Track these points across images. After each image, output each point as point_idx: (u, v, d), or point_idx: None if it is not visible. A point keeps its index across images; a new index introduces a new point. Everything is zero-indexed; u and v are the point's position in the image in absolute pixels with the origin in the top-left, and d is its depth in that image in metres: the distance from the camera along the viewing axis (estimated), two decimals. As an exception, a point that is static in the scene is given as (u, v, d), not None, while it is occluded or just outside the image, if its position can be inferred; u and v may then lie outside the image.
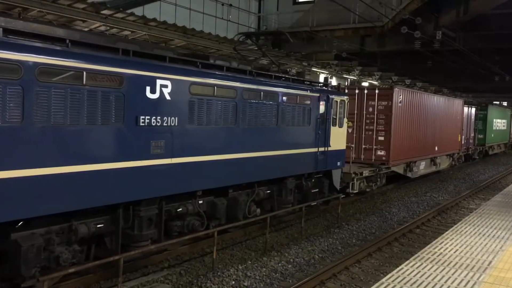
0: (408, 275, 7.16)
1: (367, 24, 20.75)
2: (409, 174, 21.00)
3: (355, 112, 18.74)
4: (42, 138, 6.89)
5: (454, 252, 8.46)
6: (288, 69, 20.12)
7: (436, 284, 6.84)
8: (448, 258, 8.11)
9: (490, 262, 7.95)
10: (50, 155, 7.00)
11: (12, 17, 8.03)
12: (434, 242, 9.22)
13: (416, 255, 8.30)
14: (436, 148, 23.73)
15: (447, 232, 10.07)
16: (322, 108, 13.83)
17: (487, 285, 6.85)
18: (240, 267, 9.81)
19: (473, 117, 32.62)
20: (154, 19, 14.52)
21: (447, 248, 8.74)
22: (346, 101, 15.27)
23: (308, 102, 13.19)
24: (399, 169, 20.01)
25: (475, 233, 10.01)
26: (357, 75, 29.51)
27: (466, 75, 33.59)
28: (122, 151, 8.06)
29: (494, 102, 51.32)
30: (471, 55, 24.16)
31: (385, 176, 19.05)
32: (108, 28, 13.83)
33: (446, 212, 16.95)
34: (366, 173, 17.19)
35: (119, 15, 13.50)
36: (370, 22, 20.17)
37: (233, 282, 9.06)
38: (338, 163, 15.03)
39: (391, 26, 21.13)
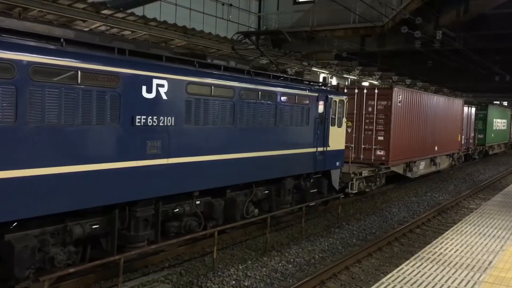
0: (408, 275, 7.16)
1: (367, 24, 20.75)
2: (408, 174, 20.98)
3: (355, 112, 18.71)
4: (36, 138, 6.81)
5: (455, 252, 8.46)
6: (288, 69, 20.14)
7: (436, 284, 6.84)
8: (449, 258, 8.11)
9: (491, 262, 7.95)
10: (44, 156, 6.93)
11: (13, 17, 8.02)
12: (434, 242, 9.21)
13: (417, 255, 8.30)
14: (436, 148, 23.72)
15: (447, 232, 10.07)
16: (321, 108, 13.78)
17: (488, 285, 6.85)
18: (240, 267, 9.81)
19: (473, 117, 32.61)
20: (154, 19, 14.52)
21: (447, 248, 8.74)
22: (345, 101, 15.21)
23: (307, 102, 13.14)
24: (399, 169, 19.99)
25: (476, 233, 10.01)
26: (357, 75, 29.51)
27: (466, 75, 33.59)
28: (117, 151, 7.99)
29: (495, 102, 51.28)
30: (471, 55, 24.17)
31: (384, 176, 19.02)
32: (108, 28, 13.83)
33: (447, 212, 16.94)
34: (365, 173, 17.16)
35: (119, 15, 13.50)
36: (370, 22, 20.17)
37: (234, 282, 9.06)
38: (337, 163, 14.97)
39: (391, 26, 21.13)
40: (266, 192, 12.49)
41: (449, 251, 8.50)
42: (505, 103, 59.63)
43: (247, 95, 10.93)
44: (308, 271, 10.05)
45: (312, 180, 14.11)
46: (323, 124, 13.90)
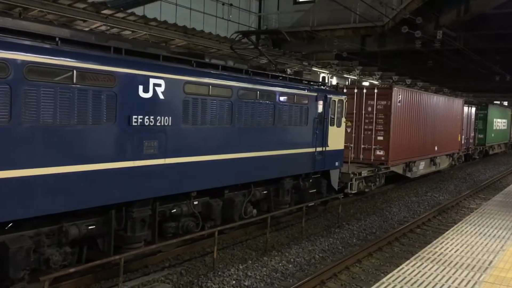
0: (408, 274, 7.16)
1: (368, 23, 20.75)
2: (408, 174, 20.95)
3: (354, 111, 18.69)
4: (31, 138, 6.76)
5: (455, 252, 8.46)
6: (288, 69, 20.11)
7: (436, 283, 6.84)
8: (449, 257, 8.11)
9: (491, 262, 7.94)
10: (39, 156, 6.87)
11: (13, 17, 8.01)
12: (434, 241, 9.21)
13: (417, 254, 8.29)
14: (436, 148, 23.71)
15: (447, 232, 10.07)
16: (320, 108, 13.73)
17: (488, 285, 6.85)
18: (240, 267, 9.81)
19: (473, 116, 32.59)
20: (154, 19, 14.52)
21: (447, 247, 8.74)
22: (344, 101, 15.16)
23: (306, 101, 13.09)
24: (398, 169, 19.97)
25: (476, 232, 10.01)
26: (357, 74, 29.51)
27: (466, 75, 33.59)
28: (114, 152, 7.94)
29: (495, 102, 51.27)
30: (472, 54, 24.16)
31: (384, 176, 18.99)
32: (108, 28, 13.83)
33: (447, 211, 16.94)
34: (365, 173, 17.12)
35: (120, 15, 13.50)
36: (371, 21, 20.17)
37: (234, 282, 9.06)
38: (336, 163, 14.91)
39: (392, 26, 21.14)
40: (264, 192, 12.44)
41: (450, 251, 8.49)
42: (506, 103, 59.62)
43: (245, 94, 10.87)
44: (308, 271, 10.05)
45: (311, 180, 14.04)
46: (322, 124, 13.84)
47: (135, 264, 9.49)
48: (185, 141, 9.31)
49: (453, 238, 9.50)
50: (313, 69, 24.38)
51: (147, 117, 8.43)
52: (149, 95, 8.47)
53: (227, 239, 11.78)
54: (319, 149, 13.79)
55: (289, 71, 18.68)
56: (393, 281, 6.86)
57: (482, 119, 34.91)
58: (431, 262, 7.83)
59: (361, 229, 13.72)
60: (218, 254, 9.92)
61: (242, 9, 24.63)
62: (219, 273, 9.40)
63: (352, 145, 18.00)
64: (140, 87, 8.31)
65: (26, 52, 6.68)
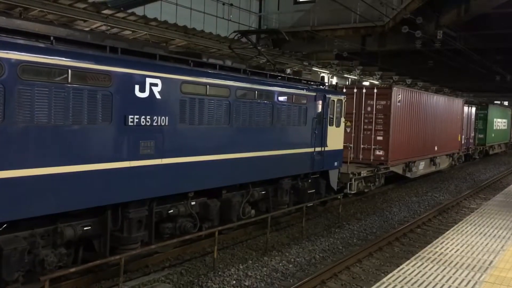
0: (409, 274, 7.16)
1: (368, 23, 20.76)
2: (408, 174, 20.92)
3: (354, 111, 18.65)
4: (25, 138, 6.67)
5: (455, 252, 8.46)
6: (289, 69, 20.13)
7: (437, 283, 6.84)
8: (449, 257, 8.11)
9: (491, 262, 7.94)
10: (33, 156, 6.79)
11: (13, 17, 8.00)
12: (435, 241, 9.21)
13: (417, 254, 8.30)
14: (436, 148, 23.69)
15: (448, 232, 10.07)
16: (318, 108, 13.65)
17: (488, 285, 6.85)
18: (241, 267, 9.81)
19: (473, 116, 32.57)
20: (155, 19, 14.53)
21: (448, 247, 8.74)
22: (344, 100, 15.09)
23: (304, 101, 13.01)
24: (398, 169, 19.94)
25: (476, 232, 10.01)
26: (358, 74, 29.51)
27: (467, 75, 33.58)
28: (109, 152, 7.85)
29: (495, 102, 51.26)
30: (472, 54, 24.17)
31: (383, 177, 18.95)
32: (109, 28, 13.84)
33: (447, 211, 16.94)
34: (364, 173, 17.09)
35: (120, 14, 13.51)
36: (371, 21, 20.18)
37: (234, 282, 9.06)
38: (335, 163, 14.83)
39: (392, 26, 21.15)
40: (263, 192, 12.33)
41: (450, 251, 8.50)
42: (506, 103, 59.61)
43: (243, 94, 10.80)
44: (308, 271, 10.05)
45: (310, 181, 13.94)
46: (321, 124, 13.76)
47: (135, 264, 9.47)
48: (182, 141, 9.23)
49: (454, 238, 9.50)
50: (314, 69, 24.39)
51: (143, 117, 8.35)
52: (145, 94, 8.39)
53: (227, 239, 11.77)
54: (318, 149, 13.71)
55: (289, 71, 18.70)
56: (394, 281, 6.86)
57: (482, 119, 34.89)
58: (432, 262, 7.83)
59: (362, 229, 13.72)
60: (218, 254, 9.91)
61: (243, 9, 24.63)
62: (220, 273, 9.41)
63: (351, 145, 17.99)
64: (137, 87, 8.22)
65: (20, 51, 6.58)
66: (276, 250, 11.15)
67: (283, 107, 12.17)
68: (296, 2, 26.02)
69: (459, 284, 6.83)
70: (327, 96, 14.01)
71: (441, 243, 9.02)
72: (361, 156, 18.61)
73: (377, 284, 6.80)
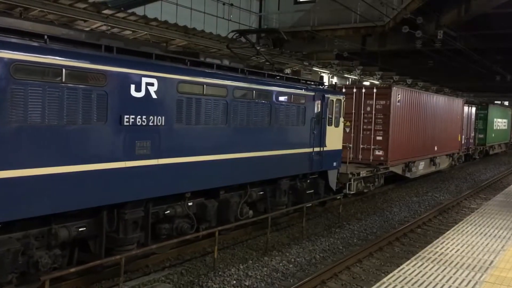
0: (409, 274, 7.16)
1: (368, 23, 20.77)
2: (407, 175, 20.89)
3: (353, 111, 18.62)
4: (18, 139, 6.57)
5: (456, 252, 8.46)
6: (289, 68, 20.12)
7: (437, 283, 6.84)
8: (450, 257, 8.10)
9: (492, 262, 7.94)
10: (26, 156, 6.69)
11: (13, 17, 7.98)
12: (435, 241, 9.21)
13: (418, 254, 8.30)
14: (436, 148, 23.67)
15: (448, 232, 10.07)
16: (317, 107, 13.58)
17: (489, 285, 6.85)
18: (241, 267, 9.82)
19: (473, 116, 32.57)
20: (155, 19, 14.52)
21: (448, 247, 8.74)
22: (343, 100, 15.03)
23: (303, 101, 12.94)
24: (398, 169, 19.91)
25: (477, 232, 10.01)
26: (358, 74, 29.51)
27: (467, 75, 33.61)
28: (105, 152, 7.76)
29: (496, 102, 51.27)
30: (472, 54, 24.17)
31: (383, 177, 18.91)
32: (109, 28, 13.84)
33: (448, 211, 16.94)
34: (363, 173, 17.05)
35: (120, 14, 13.50)
36: (371, 21, 20.18)
37: (234, 282, 9.06)
38: (334, 164, 14.75)
39: (392, 26, 21.15)
40: (261, 193, 12.25)
41: (450, 251, 8.49)
42: (506, 103, 59.62)
43: (241, 94, 10.72)
44: (309, 271, 10.05)
45: (308, 181, 13.86)
46: (319, 124, 13.69)
47: (135, 264, 9.46)
48: (179, 141, 9.13)
49: (454, 238, 9.50)
50: (314, 69, 24.39)
51: (139, 116, 8.26)
52: (141, 94, 8.30)
53: (228, 239, 11.77)
54: (316, 149, 13.65)
55: (288, 71, 18.68)
56: (394, 281, 6.86)
57: (483, 119, 34.89)
58: (432, 262, 7.83)
59: (362, 229, 13.73)
60: (218, 254, 9.90)
61: (243, 9, 24.63)
62: (220, 273, 9.41)
63: (351, 145, 17.96)
64: (132, 86, 8.14)
65: (13, 50, 6.47)
66: (277, 250, 11.15)
67: (281, 107, 12.09)
68: (296, 2, 26.02)
69: (459, 284, 6.83)
70: (326, 96, 13.95)
71: (441, 243, 9.02)
72: (360, 156, 18.58)
73: (378, 284, 6.80)
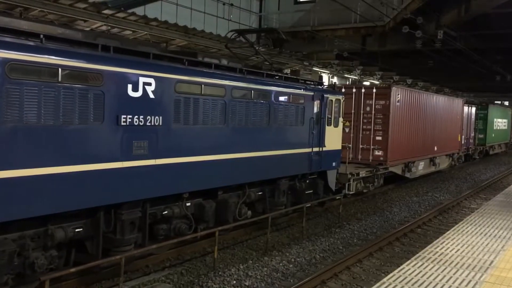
0: (409, 274, 7.16)
1: (368, 23, 20.77)
2: (407, 175, 20.86)
3: (353, 111, 18.60)
4: (13, 139, 6.52)
5: (456, 252, 8.46)
6: (289, 68, 20.12)
7: (437, 283, 6.84)
8: (450, 257, 8.11)
9: (492, 262, 7.95)
10: (22, 157, 6.63)
11: (14, 17, 7.97)
12: (435, 241, 9.21)
13: (418, 254, 8.30)
14: (435, 148, 23.66)
15: (448, 232, 10.07)
16: (316, 107, 13.55)
17: (489, 285, 6.85)
18: (241, 267, 9.82)
19: (473, 116, 32.57)
20: (155, 19, 14.52)
21: (448, 247, 8.74)
22: (342, 100, 14.99)
23: (302, 101, 12.90)
24: (397, 170, 19.89)
25: (477, 232, 10.01)
26: (358, 74, 29.51)
27: (467, 75, 33.60)
28: (101, 152, 7.71)
29: (496, 102, 51.28)
30: (472, 54, 24.17)
31: (382, 177, 18.89)
32: (109, 28, 13.84)
33: (448, 211, 16.95)
34: (363, 173, 17.03)
35: (120, 14, 13.50)
36: (371, 21, 20.19)
37: (234, 282, 9.06)
38: (333, 164, 14.71)
39: (392, 26, 21.15)
40: (259, 193, 12.19)
41: (450, 251, 8.50)
42: (506, 103, 59.62)
43: (239, 94, 10.67)
44: (309, 271, 10.05)
45: (307, 181, 13.81)
46: (318, 124, 13.65)
47: (135, 264, 9.46)
48: (177, 141, 9.09)
49: (454, 238, 9.50)
50: (314, 69, 24.39)
51: (136, 116, 8.21)
52: (138, 94, 8.26)
53: (228, 239, 11.77)
54: (315, 149, 13.61)
55: (289, 70, 18.68)
56: (394, 281, 6.86)
57: (482, 119, 34.88)
58: (432, 262, 7.83)
59: (362, 229, 13.73)
60: (218, 254, 9.90)
61: (243, 9, 24.64)
62: (220, 273, 9.41)
63: (350, 145, 17.95)
64: (129, 86, 8.09)
65: (9, 50, 6.42)
66: (277, 250, 11.15)
67: (280, 106, 12.05)
68: (296, 2, 26.03)
69: (459, 284, 6.83)
70: (325, 95, 13.91)
71: (441, 243, 9.02)
72: (360, 156, 18.56)
73: (378, 284, 6.80)
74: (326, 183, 14.75)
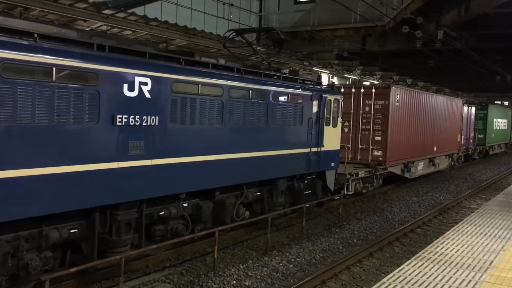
0: (409, 274, 7.16)
1: (368, 23, 20.76)
2: (406, 175, 20.83)
3: (352, 111, 18.59)
4: (7, 139, 6.46)
5: (456, 252, 8.46)
6: (288, 68, 20.12)
7: (437, 283, 6.84)
8: (450, 258, 8.11)
9: (492, 262, 7.95)
10: (16, 157, 6.57)
11: (14, 17, 7.96)
12: (435, 241, 9.21)
13: (418, 254, 8.30)
14: (435, 148, 23.65)
15: (448, 232, 10.07)
16: (315, 107, 13.51)
17: (489, 285, 6.85)
18: (241, 267, 9.82)
19: (473, 116, 32.56)
20: (155, 19, 14.52)
21: (448, 247, 8.74)
22: (341, 100, 14.96)
23: (300, 101, 12.86)
24: (397, 170, 19.86)
25: (477, 233, 10.01)
26: (358, 74, 29.51)
27: (467, 75, 33.60)
28: (97, 152, 7.64)
29: (496, 102, 51.29)
30: (472, 54, 24.17)
31: (382, 177, 18.86)
32: (109, 28, 13.84)
33: (448, 212, 16.95)
34: (362, 174, 17.01)
35: (120, 14, 13.50)
36: (371, 21, 20.18)
37: (234, 282, 9.06)
38: (332, 164, 14.67)
39: (392, 26, 21.14)
40: (257, 193, 12.15)
41: (450, 251, 8.50)
42: (506, 103, 59.62)
43: (237, 93, 10.62)
44: (309, 271, 10.05)
45: (306, 181, 13.77)
46: (317, 124, 13.61)
47: (134, 265, 9.45)
48: (173, 141, 9.03)
49: (454, 238, 9.50)
50: (314, 69, 24.40)
51: (132, 116, 8.15)
52: (134, 93, 8.20)
53: (228, 239, 11.77)
54: (314, 149, 13.56)
55: (287, 70, 18.68)
56: (394, 281, 6.86)
57: (482, 119, 34.88)
58: (432, 262, 7.84)
59: (362, 229, 13.73)
60: (218, 254, 9.91)
61: (243, 9, 24.63)
62: (220, 273, 9.41)
63: (349, 146, 17.93)
64: (125, 86, 8.03)
65: (2, 49, 6.38)
66: (277, 250, 11.15)
67: (278, 106, 12.01)
68: (296, 2, 26.01)
69: (459, 284, 6.83)
70: (323, 95, 13.87)
71: (441, 243, 9.02)
72: (359, 157, 18.53)
73: (378, 284, 6.80)
74: (325, 184, 14.71)
